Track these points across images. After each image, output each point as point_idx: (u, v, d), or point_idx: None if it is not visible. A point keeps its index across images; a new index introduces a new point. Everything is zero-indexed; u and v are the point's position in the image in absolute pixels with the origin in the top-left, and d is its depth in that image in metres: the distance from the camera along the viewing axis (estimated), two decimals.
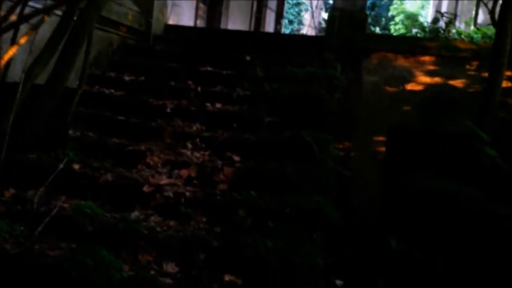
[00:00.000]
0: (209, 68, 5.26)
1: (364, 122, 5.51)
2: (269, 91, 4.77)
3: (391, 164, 5.46)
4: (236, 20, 10.50)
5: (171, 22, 6.87)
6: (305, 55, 5.59)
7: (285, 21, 16.01)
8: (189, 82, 5.00)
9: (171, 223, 3.23)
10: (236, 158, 3.86)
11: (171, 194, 3.38)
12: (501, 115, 4.37)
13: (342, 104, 5.37)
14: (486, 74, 5.22)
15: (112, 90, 4.92)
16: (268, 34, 10.75)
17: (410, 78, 5.47)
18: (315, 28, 17.33)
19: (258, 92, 4.80)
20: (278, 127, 4.30)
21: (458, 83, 5.36)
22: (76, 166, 3.63)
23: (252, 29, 11.62)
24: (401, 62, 5.49)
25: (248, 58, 5.47)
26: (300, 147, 3.88)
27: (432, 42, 5.39)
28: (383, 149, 5.49)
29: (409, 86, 5.47)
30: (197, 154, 3.93)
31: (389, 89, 5.53)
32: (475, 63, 5.27)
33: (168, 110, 4.50)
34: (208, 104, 4.66)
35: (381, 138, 5.51)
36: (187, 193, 3.40)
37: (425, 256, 4.55)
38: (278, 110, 4.56)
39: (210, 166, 3.75)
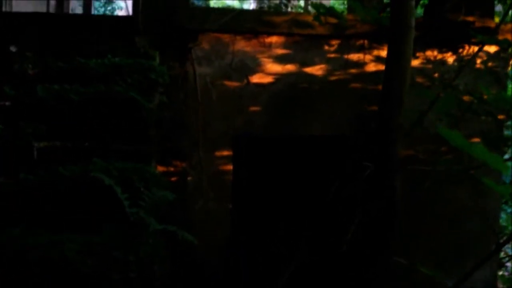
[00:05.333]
0: None
1: (200, 133, 3.92)
2: (46, 97, 2.91)
3: (241, 188, 3.97)
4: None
5: None
6: (107, 42, 3.80)
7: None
8: None
9: None
10: None
11: None
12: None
13: (166, 109, 3.72)
14: (350, 56, 4.04)
15: None
16: (54, 15, 8.10)
17: (256, 67, 4.03)
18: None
19: (25, 100, 2.90)
20: (60, 158, 2.49)
21: (316, 70, 4.06)
22: None
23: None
24: (242, 46, 4.01)
25: (14, 48, 3.53)
26: (96, 196, 2.13)
27: (280, 16, 4.00)
28: (230, 167, 3.96)
29: (255, 79, 4.03)
30: None
31: (229, 83, 4.02)
32: (335, 42, 4.02)
33: None
34: None
35: (225, 153, 3.98)
36: None
37: None
38: (59, 129, 2.73)
39: None
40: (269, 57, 4.03)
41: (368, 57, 4.07)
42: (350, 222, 2.83)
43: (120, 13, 16.64)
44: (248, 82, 4.01)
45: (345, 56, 4.04)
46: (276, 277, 3.03)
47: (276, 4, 4.98)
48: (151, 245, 1.87)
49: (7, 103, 2.89)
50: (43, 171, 2.27)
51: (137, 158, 2.65)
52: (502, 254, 4.99)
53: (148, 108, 2.93)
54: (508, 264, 5.38)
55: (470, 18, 4.01)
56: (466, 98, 3.58)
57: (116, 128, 2.83)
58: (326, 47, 4.05)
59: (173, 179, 3.95)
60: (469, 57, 3.93)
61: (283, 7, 4.88)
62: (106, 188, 2.13)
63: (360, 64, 4.08)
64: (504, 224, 5.16)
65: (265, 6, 5.35)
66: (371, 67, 4.06)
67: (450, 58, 3.96)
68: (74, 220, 2.02)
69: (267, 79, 4.03)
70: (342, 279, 2.99)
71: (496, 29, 3.67)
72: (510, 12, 3.93)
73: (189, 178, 3.92)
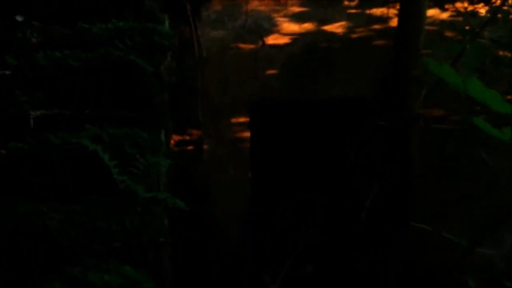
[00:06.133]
0: None
1: (214, 99, 3.77)
2: (47, 65, 2.80)
3: (258, 156, 3.81)
4: None
5: None
6: (113, 6, 3.66)
7: None
8: None
9: None
10: None
11: None
12: None
13: (178, 75, 3.58)
14: (373, 11, 3.77)
15: None
16: None
17: (271, 27, 3.81)
18: None
19: (26, 68, 2.81)
20: (58, 126, 2.39)
21: (336, 28, 3.81)
22: None
23: None
24: (256, 5, 3.79)
25: (20, 18, 3.44)
26: (87, 164, 2.01)
27: None
28: (247, 134, 3.80)
29: (271, 40, 3.82)
30: None
31: (244, 46, 3.83)
32: None
33: None
34: None
35: (242, 119, 3.82)
36: None
37: None
38: (59, 97, 2.63)
39: None
40: (285, 16, 3.80)
41: (392, 11, 3.78)
42: (369, 188, 2.64)
43: None
44: (263, 44, 3.80)
45: (367, 12, 3.76)
46: (285, 256, 2.87)
47: None
48: (138, 214, 1.75)
49: (7, 72, 2.79)
50: (35, 140, 2.17)
51: (140, 125, 2.52)
52: None
53: (151, 73, 2.77)
54: None
55: None
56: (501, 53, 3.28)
57: (118, 94, 2.70)
58: (346, 2, 3.79)
59: (189, 147, 3.83)
60: (503, 8, 3.60)
61: None
62: (98, 156, 2.01)
63: (384, 20, 3.80)
64: None
65: None
66: (396, 22, 3.77)
67: (482, 10, 3.63)
68: (62, 191, 1.91)
69: (284, 40, 3.81)
70: (360, 246, 2.81)
71: None
72: None
73: (205, 147, 3.79)
